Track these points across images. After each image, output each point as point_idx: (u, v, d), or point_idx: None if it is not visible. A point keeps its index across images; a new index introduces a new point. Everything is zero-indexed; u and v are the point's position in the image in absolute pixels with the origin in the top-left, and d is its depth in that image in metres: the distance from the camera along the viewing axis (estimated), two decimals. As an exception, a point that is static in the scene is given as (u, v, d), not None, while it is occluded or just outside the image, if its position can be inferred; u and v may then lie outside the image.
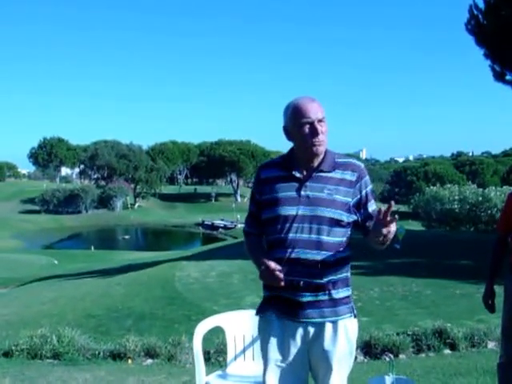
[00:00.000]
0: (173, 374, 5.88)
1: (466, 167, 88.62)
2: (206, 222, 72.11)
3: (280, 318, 2.81)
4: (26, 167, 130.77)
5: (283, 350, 2.81)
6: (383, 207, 2.56)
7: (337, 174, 2.78)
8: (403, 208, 67.86)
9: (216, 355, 6.57)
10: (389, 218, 2.52)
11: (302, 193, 2.76)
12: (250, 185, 74.53)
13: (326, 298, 2.76)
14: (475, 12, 15.81)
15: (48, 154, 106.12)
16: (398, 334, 7.00)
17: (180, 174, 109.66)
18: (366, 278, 12.35)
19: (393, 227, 2.57)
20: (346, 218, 2.76)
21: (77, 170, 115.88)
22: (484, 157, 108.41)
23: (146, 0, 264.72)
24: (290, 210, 2.75)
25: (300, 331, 2.79)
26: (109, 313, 10.48)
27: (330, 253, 2.74)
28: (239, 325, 4.18)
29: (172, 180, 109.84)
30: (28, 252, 44.88)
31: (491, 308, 3.98)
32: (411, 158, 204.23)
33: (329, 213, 2.72)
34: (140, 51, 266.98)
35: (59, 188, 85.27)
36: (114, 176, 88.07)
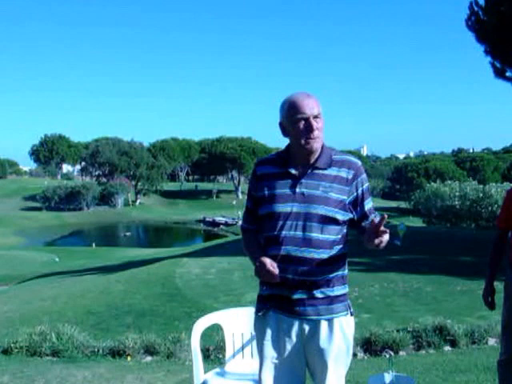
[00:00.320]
0: (172, 372, 5.87)
1: (467, 164, 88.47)
2: (207, 219, 72.11)
3: (275, 315, 2.80)
4: (27, 164, 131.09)
5: (279, 347, 2.80)
6: (376, 218, 2.55)
7: (332, 171, 2.76)
8: (404, 204, 68.09)
9: (216, 352, 6.56)
10: (382, 229, 2.52)
11: (297, 190, 2.74)
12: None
13: (321, 295, 2.75)
14: (475, 8, 15.78)
15: (49, 151, 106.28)
16: (398, 331, 6.98)
17: (181, 170, 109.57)
18: (366, 274, 12.34)
19: (385, 237, 2.57)
20: (341, 215, 2.74)
21: (78, 166, 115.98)
22: (484, 153, 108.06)
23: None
24: (284, 207, 2.73)
25: (295, 328, 2.78)
26: (109, 310, 10.47)
27: (325, 250, 2.72)
28: (238, 322, 4.17)
29: (173, 177, 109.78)
30: (29, 249, 44.84)
31: (491, 305, 3.96)
32: (412, 154, 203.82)
33: (323, 210, 2.70)
34: (141, 48, 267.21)
35: (60, 185, 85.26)
36: (116, 173, 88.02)
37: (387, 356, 4.21)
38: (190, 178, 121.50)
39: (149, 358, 6.68)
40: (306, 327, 2.77)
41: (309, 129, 2.69)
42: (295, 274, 2.72)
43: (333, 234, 2.74)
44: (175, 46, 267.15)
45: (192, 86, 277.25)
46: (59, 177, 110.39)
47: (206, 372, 4.04)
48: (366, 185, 2.82)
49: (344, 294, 2.83)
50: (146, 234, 71.57)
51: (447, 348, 6.78)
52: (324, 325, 2.76)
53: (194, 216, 76.36)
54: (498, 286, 3.89)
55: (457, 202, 37.18)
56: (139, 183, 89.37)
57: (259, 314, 2.87)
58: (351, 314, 2.85)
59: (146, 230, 74.00)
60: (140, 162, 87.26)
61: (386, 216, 2.54)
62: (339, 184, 2.74)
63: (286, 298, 2.76)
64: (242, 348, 4.15)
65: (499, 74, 15.94)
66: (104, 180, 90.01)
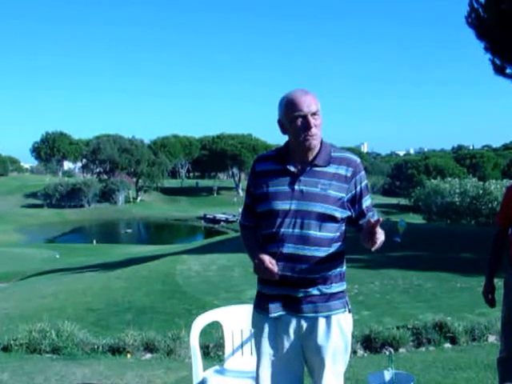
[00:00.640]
0: (171, 369, 5.86)
1: (467, 160, 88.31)
2: (207, 216, 72.06)
3: (273, 312, 2.79)
4: (28, 161, 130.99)
5: (276, 344, 2.80)
6: (372, 219, 2.54)
7: (331, 169, 2.75)
8: (404, 201, 68.01)
9: (215, 349, 6.56)
10: (378, 230, 2.52)
11: (296, 187, 2.73)
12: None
13: (318, 292, 2.74)
14: (475, 5, 15.76)
15: (50, 149, 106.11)
16: (398, 328, 6.97)
17: (182, 167, 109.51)
18: (366, 271, 12.35)
19: (381, 238, 2.57)
20: (340, 213, 2.73)
21: (79, 164, 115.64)
22: (484, 150, 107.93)
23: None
24: (283, 205, 2.72)
25: (293, 326, 2.77)
26: (109, 307, 10.48)
27: (323, 248, 2.71)
28: (237, 319, 4.16)
29: (174, 174, 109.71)
30: (30, 246, 44.87)
31: (491, 303, 3.95)
32: (412, 151, 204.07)
33: (322, 208, 2.69)
34: (142, 46, 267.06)
35: (62, 182, 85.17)
36: (116, 170, 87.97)
37: (387, 353, 4.20)
38: (191, 174, 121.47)
39: (148, 355, 6.68)
40: (304, 324, 2.76)
41: (306, 126, 2.67)
42: (294, 272, 2.71)
43: (331, 231, 2.73)
44: (176, 43, 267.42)
45: (193, 84, 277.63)
46: (60, 174, 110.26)
47: (205, 369, 4.03)
48: (364, 182, 2.81)
49: (342, 291, 2.83)
50: (147, 231, 71.57)
51: (447, 345, 6.77)
52: (322, 322, 2.75)
53: (195, 213, 76.31)
54: (498, 283, 3.89)
55: (457, 199, 37.16)
56: (140, 180, 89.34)
57: (258, 310, 2.87)
58: (349, 311, 2.84)
59: (147, 227, 73.98)
60: (141, 159, 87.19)
61: (381, 219, 2.53)
62: (338, 181, 2.73)
63: (284, 296, 2.75)
64: (242, 345, 4.15)
65: (499, 70, 15.93)
66: (105, 177, 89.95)
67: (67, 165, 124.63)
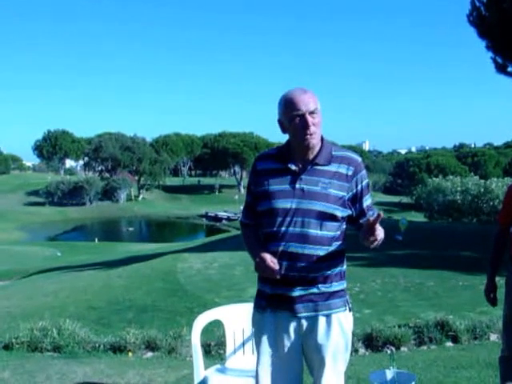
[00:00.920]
0: (173, 367, 5.85)
1: (469, 159, 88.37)
2: (209, 214, 72.20)
3: (273, 311, 2.79)
4: (30, 159, 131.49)
5: (276, 342, 2.80)
6: (372, 217, 2.53)
7: (332, 168, 2.74)
8: (405, 199, 68.02)
9: (217, 348, 6.55)
10: (377, 227, 2.52)
11: (297, 186, 2.72)
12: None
13: (318, 291, 2.74)
14: (477, 4, 15.72)
15: (52, 147, 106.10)
16: (399, 327, 6.95)
17: (184, 165, 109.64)
18: (367, 269, 12.32)
19: (380, 235, 2.57)
20: (340, 212, 2.72)
21: (81, 162, 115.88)
22: (486, 148, 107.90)
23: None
24: (284, 203, 2.71)
25: (293, 324, 2.77)
26: (110, 305, 10.47)
27: (323, 247, 2.71)
28: (238, 318, 4.16)
29: (176, 172, 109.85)
30: (32, 244, 44.93)
31: (493, 301, 3.94)
32: (414, 149, 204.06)
33: (322, 207, 2.68)
34: (145, 44, 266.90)
35: (63, 180, 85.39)
36: (118, 168, 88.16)
37: (388, 352, 4.19)
38: (193, 173, 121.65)
39: (150, 354, 6.67)
40: (304, 323, 2.76)
41: (305, 125, 2.66)
42: (294, 271, 2.71)
43: (332, 230, 2.73)
44: (177, 42, 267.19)
45: (194, 82, 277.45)
46: (62, 172, 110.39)
47: (206, 368, 4.03)
48: (365, 181, 2.80)
49: (342, 290, 2.82)
50: (149, 229, 71.66)
51: (449, 344, 6.75)
52: (322, 320, 2.75)
53: (197, 211, 76.43)
54: (500, 281, 3.88)
55: (458, 197, 37.15)
56: (142, 178, 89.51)
57: (258, 309, 2.86)
58: (350, 310, 2.84)
59: (149, 225, 74.09)
60: (143, 157, 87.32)
61: (381, 214, 2.52)
62: (339, 180, 2.72)
63: (284, 294, 2.75)
64: (243, 344, 4.14)
65: (501, 69, 15.88)
66: (107, 175, 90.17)
67: (69, 163, 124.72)
